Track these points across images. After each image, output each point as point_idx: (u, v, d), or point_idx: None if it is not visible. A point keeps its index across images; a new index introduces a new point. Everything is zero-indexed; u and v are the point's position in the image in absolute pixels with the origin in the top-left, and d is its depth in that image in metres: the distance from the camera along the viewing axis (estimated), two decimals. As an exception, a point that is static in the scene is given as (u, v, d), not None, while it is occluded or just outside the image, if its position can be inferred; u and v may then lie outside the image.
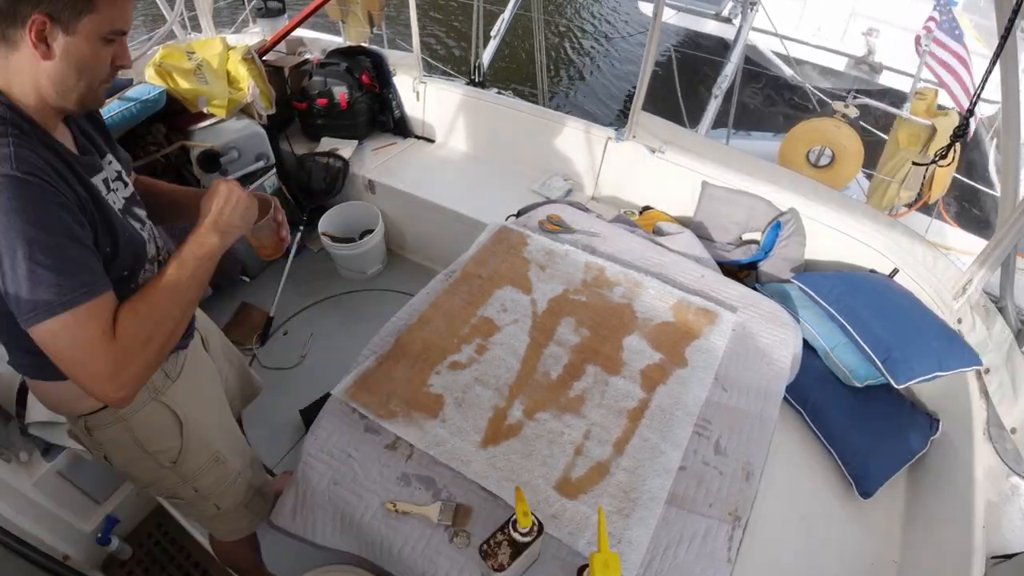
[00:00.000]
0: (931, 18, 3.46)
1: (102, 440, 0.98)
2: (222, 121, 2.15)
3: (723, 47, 4.74)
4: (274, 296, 2.30)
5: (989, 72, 1.37)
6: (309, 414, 1.91)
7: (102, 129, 0.97)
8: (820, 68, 4.91)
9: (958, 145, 1.57)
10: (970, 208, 4.68)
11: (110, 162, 0.93)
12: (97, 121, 0.97)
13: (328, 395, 1.28)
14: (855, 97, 3.47)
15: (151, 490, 1.11)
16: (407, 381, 1.28)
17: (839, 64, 5.20)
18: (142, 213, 0.97)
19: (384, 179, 2.47)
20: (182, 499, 1.10)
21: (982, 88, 1.42)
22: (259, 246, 1.06)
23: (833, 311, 1.71)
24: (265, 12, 2.83)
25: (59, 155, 0.79)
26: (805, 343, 1.75)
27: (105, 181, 0.89)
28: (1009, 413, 1.46)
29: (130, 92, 1.91)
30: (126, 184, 0.95)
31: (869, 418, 1.66)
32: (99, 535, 1.61)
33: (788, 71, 4.01)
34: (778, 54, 4.54)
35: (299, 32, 2.70)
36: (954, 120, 3.12)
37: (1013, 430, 1.42)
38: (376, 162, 2.58)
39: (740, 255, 2.12)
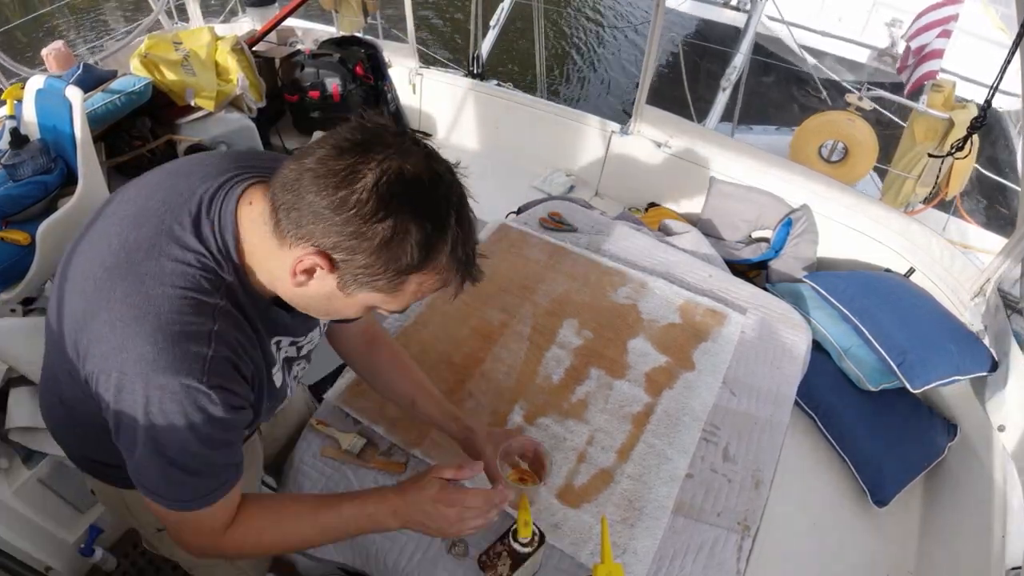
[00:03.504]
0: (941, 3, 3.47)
1: (97, 489, 1.01)
2: (210, 114, 2.15)
3: (738, 36, 4.74)
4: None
5: (1008, 61, 1.37)
6: (318, 390, 1.94)
7: None
8: (841, 60, 4.90)
9: (975, 138, 1.57)
10: (994, 206, 4.67)
11: (317, 330, 0.89)
12: None
13: (340, 368, 1.28)
14: (868, 89, 3.47)
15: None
16: (403, 385, 1.28)
17: (861, 56, 5.19)
18: (306, 363, 0.92)
19: (379, 175, 2.48)
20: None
21: (1000, 78, 1.42)
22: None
23: (847, 312, 1.71)
24: (255, 1, 2.83)
25: (255, 331, 0.73)
26: (818, 345, 1.76)
27: (279, 343, 0.81)
28: (998, 410, 1.46)
29: (115, 84, 1.91)
30: (313, 341, 0.90)
31: (884, 423, 1.66)
32: (82, 545, 1.60)
33: (806, 61, 4.01)
34: (789, 43, 4.55)
35: (290, 22, 2.70)
36: (973, 113, 3.11)
37: (1001, 427, 1.43)
38: (371, 157, 2.58)
39: (750, 254, 2.13)
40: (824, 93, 3.95)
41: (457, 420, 1.03)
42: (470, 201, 0.70)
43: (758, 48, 4.74)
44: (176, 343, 0.63)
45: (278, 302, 0.74)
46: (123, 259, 0.66)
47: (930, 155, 2.54)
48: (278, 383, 0.83)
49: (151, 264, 0.65)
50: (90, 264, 0.69)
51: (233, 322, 0.69)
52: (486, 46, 3.91)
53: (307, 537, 0.83)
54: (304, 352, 0.89)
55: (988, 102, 1.49)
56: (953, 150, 1.65)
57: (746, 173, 2.19)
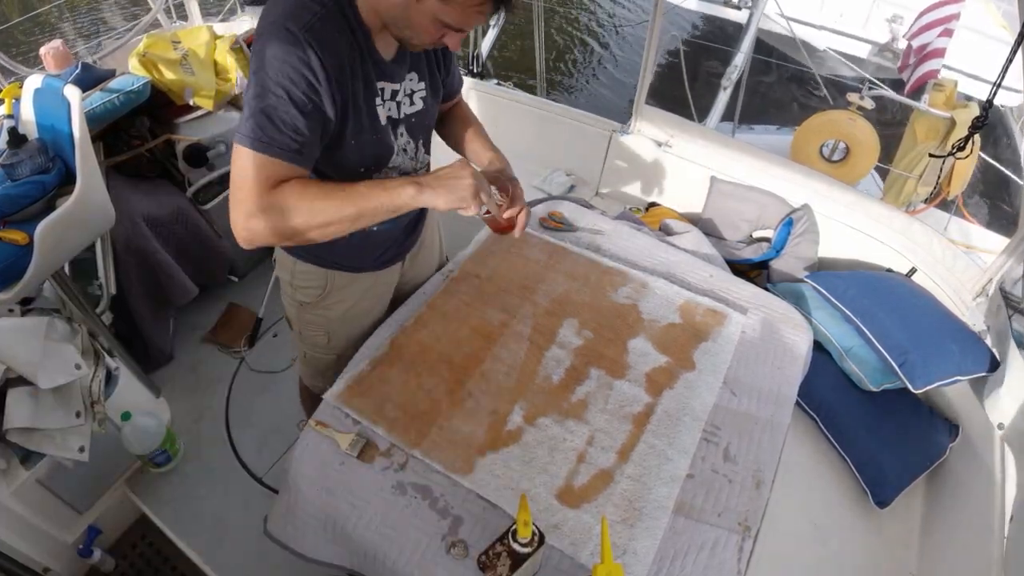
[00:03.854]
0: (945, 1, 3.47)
1: (279, 256, 1.29)
2: (209, 114, 2.15)
3: (739, 33, 4.74)
4: (263, 296, 2.30)
5: (1011, 59, 1.37)
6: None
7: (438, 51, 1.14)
8: (842, 56, 4.89)
9: (977, 137, 1.57)
10: (996, 205, 4.67)
11: (412, 79, 1.09)
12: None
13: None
14: (870, 88, 3.47)
15: (285, 307, 1.38)
16: (402, 385, 1.28)
17: (862, 52, 5.19)
18: (407, 134, 1.12)
19: (378, 174, 2.48)
20: (292, 328, 1.41)
21: (1002, 77, 1.42)
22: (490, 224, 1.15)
23: (848, 312, 1.71)
24: (254, 0, 2.82)
25: (357, 45, 0.95)
26: (819, 345, 1.76)
27: (383, 90, 1.03)
28: (996, 408, 1.46)
29: (113, 83, 1.91)
30: (414, 104, 1.11)
31: (885, 424, 1.66)
32: (81, 546, 1.61)
33: (808, 59, 4.01)
34: (792, 40, 4.55)
35: (289, 21, 2.69)
36: (974, 112, 3.11)
37: (1000, 426, 1.43)
38: (370, 156, 2.58)
39: (751, 253, 2.13)
40: (825, 92, 3.95)
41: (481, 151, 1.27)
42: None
43: (760, 46, 4.74)
44: (292, 6, 0.88)
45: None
46: None
47: (931, 155, 2.55)
48: (382, 119, 1.04)
49: None
50: None
51: (331, 23, 0.91)
52: (485, 45, 3.90)
53: (337, 211, 0.93)
54: (404, 112, 1.09)
55: (990, 101, 1.49)
56: (955, 150, 1.65)
57: (747, 173, 2.19)
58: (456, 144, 1.31)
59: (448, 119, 1.33)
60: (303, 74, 0.88)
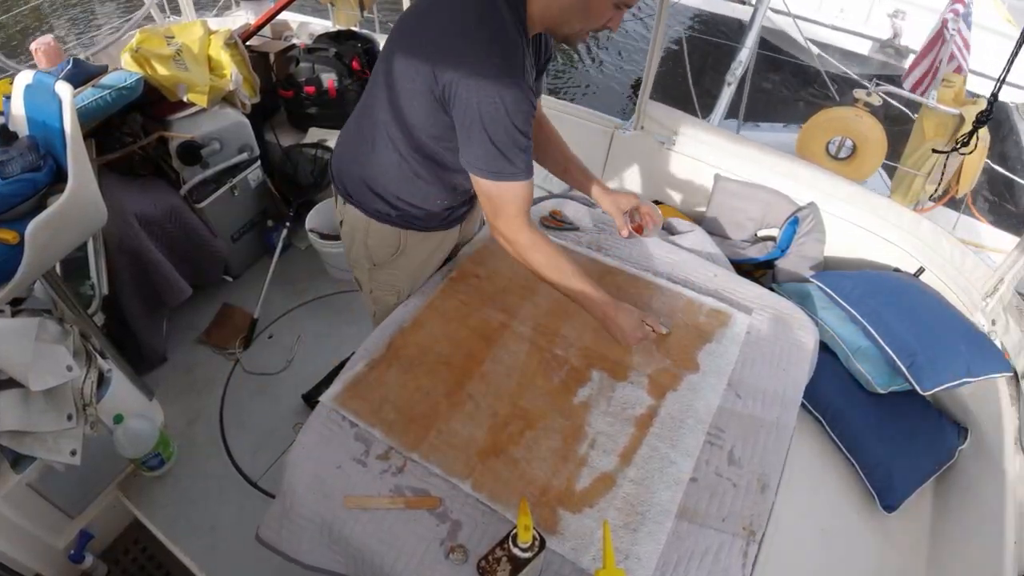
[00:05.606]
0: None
1: (349, 217, 1.40)
2: (203, 110, 2.15)
3: (742, 29, 4.76)
4: (258, 297, 2.30)
5: (1015, 54, 1.37)
6: (312, 397, 1.97)
7: (545, 54, 1.30)
8: (843, 52, 4.90)
9: (984, 133, 1.58)
10: (1004, 204, 4.68)
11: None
12: (550, 49, 1.32)
13: (333, 373, 1.30)
14: (877, 84, 3.47)
15: (352, 268, 1.53)
16: (401, 387, 1.28)
17: (863, 48, 5.20)
18: None
19: (376, 172, 2.47)
20: (362, 289, 1.55)
21: (1007, 71, 1.42)
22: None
23: (855, 313, 1.71)
24: (249, -5, 2.83)
25: (528, 67, 1.11)
26: (825, 346, 1.76)
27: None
28: None
29: (105, 79, 1.91)
30: None
31: (893, 427, 1.66)
32: (72, 552, 1.61)
33: (812, 55, 4.01)
34: (795, 37, 4.55)
35: (285, 15, 2.70)
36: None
37: None
38: (367, 154, 2.58)
39: (755, 253, 2.13)
40: (832, 88, 3.95)
41: (591, 184, 1.54)
42: None
43: (764, 42, 4.75)
44: (504, 53, 1.05)
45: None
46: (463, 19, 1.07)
47: (934, 150, 2.54)
48: None
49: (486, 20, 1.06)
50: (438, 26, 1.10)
51: (524, 57, 1.08)
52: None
53: (562, 275, 1.25)
54: None
55: (995, 95, 1.49)
56: (958, 145, 1.65)
57: (752, 170, 2.19)
58: (559, 172, 1.56)
59: (539, 138, 1.48)
60: (531, 114, 1.10)
